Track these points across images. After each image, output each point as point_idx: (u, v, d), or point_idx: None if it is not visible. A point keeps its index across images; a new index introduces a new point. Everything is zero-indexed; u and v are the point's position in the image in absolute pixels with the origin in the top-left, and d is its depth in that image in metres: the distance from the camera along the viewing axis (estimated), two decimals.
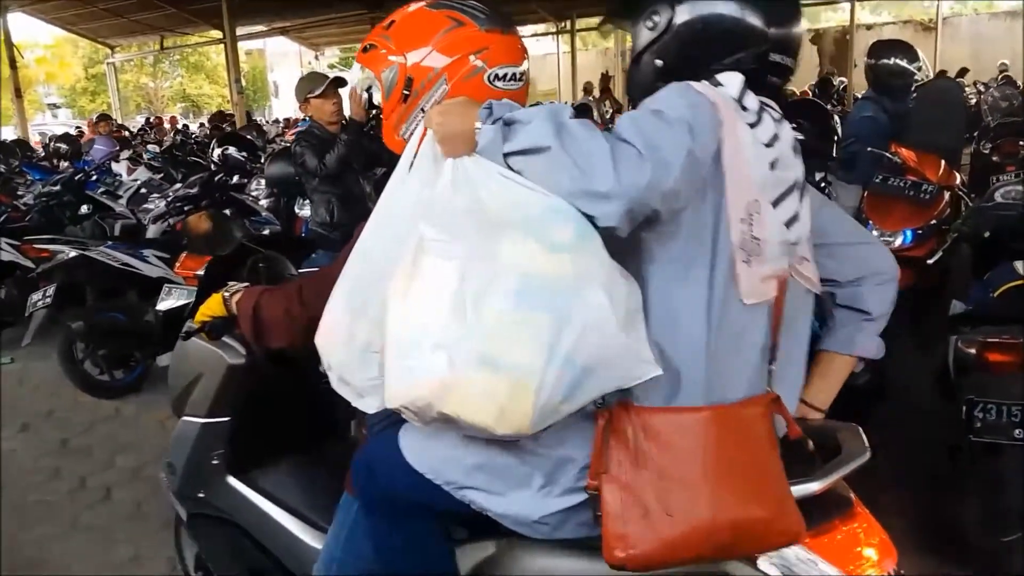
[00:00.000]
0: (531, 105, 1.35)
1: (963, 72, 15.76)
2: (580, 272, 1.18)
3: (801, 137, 3.64)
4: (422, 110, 1.50)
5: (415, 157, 1.36)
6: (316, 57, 27.79)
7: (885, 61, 4.64)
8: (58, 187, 6.25)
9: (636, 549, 1.27)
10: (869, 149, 4.46)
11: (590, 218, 1.19)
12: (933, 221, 4.34)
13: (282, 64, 35.02)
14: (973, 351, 2.35)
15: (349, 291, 1.38)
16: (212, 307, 1.79)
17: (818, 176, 3.80)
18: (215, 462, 1.99)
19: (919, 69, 4.50)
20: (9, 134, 16.90)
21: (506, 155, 1.22)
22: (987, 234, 3.12)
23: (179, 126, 18.67)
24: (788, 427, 1.38)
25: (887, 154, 4.43)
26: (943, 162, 4.54)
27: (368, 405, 1.39)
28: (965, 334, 2.40)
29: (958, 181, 4.69)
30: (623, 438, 1.29)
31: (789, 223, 1.38)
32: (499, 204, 1.22)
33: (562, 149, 1.17)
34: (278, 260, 4.29)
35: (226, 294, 1.78)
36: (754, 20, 1.38)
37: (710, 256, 1.30)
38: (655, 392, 1.29)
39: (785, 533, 1.32)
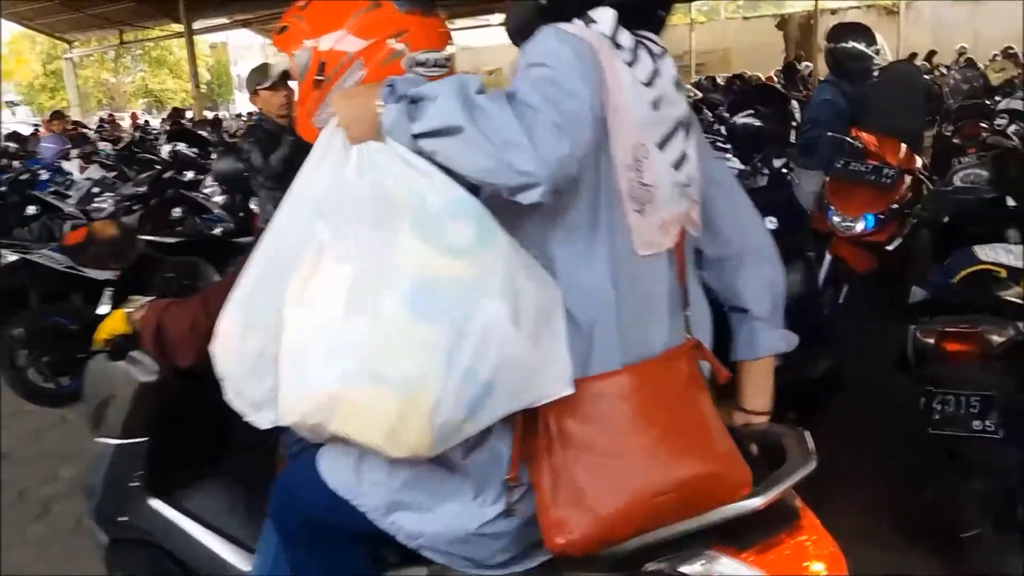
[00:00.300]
0: None
1: (932, 55, 15.82)
2: (480, 278, 1.09)
3: (759, 124, 3.65)
4: None
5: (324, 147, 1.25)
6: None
7: (843, 44, 4.60)
8: (4, 188, 6.05)
9: (575, 533, 1.19)
10: (829, 134, 4.39)
11: (511, 199, 1.11)
12: (895, 205, 4.28)
13: (246, 57, 34.50)
14: (931, 340, 2.28)
15: (246, 296, 1.27)
16: (114, 324, 1.67)
17: (778, 162, 3.73)
18: (135, 484, 1.87)
19: (877, 52, 4.44)
20: None
21: (415, 136, 1.12)
22: (946, 219, 3.06)
23: (140, 122, 18.32)
24: (715, 371, 1.33)
25: (847, 138, 4.37)
26: (904, 146, 4.49)
27: (262, 420, 1.28)
28: (923, 323, 2.33)
29: (919, 164, 4.63)
30: (544, 419, 1.21)
31: (677, 164, 1.30)
32: (402, 195, 1.12)
33: (474, 127, 1.08)
34: (196, 266, 4.05)
35: (129, 309, 1.66)
36: None
37: (605, 210, 1.23)
38: None
39: (733, 485, 1.27)
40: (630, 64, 1.24)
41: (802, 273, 3.65)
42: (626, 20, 1.28)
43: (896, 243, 3.69)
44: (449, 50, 1.47)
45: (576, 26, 1.23)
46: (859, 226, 4.22)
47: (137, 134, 13.61)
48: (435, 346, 1.06)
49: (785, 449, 1.40)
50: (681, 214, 1.33)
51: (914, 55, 14.84)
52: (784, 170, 4.68)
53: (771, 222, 3.52)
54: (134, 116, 21.62)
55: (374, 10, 1.40)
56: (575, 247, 1.24)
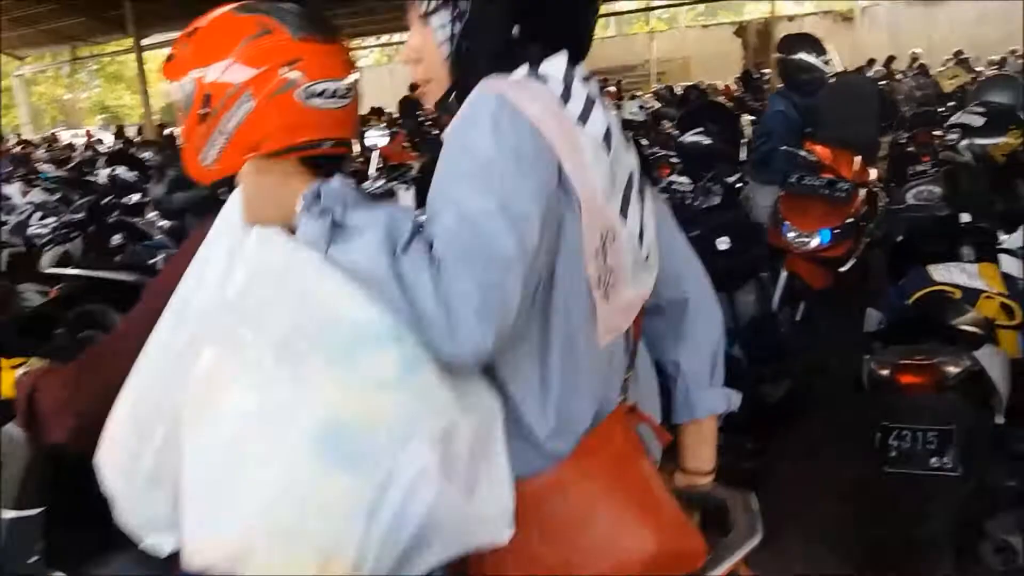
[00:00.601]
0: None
1: (890, 60, 15.93)
2: (404, 419, 0.94)
3: (708, 141, 3.57)
4: (221, 132, 1.27)
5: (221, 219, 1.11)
6: None
7: (793, 56, 4.57)
8: None
9: None
10: (783, 148, 4.35)
11: None
12: (850, 220, 4.24)
13: None
14: (886, 372, 2.19)
15: (135, 401, 1.10)
16: (2, 387, 1.51)
17: (730, 179, 3.66)
18: (35, 559, 1.70)
19: (827, 63, 4.40)
20: None
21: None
22: (900, 238, 2.99)
23: (95, 139, 17.88)
24: (657, 435, 1.22)
25: (800, 152, 4.31)
26: (858, 159, 4.45)
27: (161, 545, 1.12)
28: (877, 354, 2.24)
29: (872, 176, 4.60)
30: None
31: (640, 234, 1.19)
32: (311, 308, 0.97)
33: (393, 285, 0.96)
34: (97, 316, 3.54)
35: (20, 372, 1.50)
36: None
37: (562, 306, 1.11)
38: None
39: (687, 557, 1.15)
40: (583, 120, 1.10)
41: (756, 293, 3.59)
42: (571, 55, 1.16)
43: (850, 263, 3.62)
44: (352, 78, 1.35)
45: (522, 89, 1.08)
46: (814, 241, 4.17)
47: (88, 153, 13.22)
48: (353, 501, 0.90)
49: (731, 516, 1.30)
50: (646, 292, 1.22)
51: (872, 61, 14.95)
52: (738, 185, 4.63)
53: (724, 242, 3.44)
54: (88, 134, 21.13)
55: (265, 36, 1.27)
56: (524, 347, 1.11)
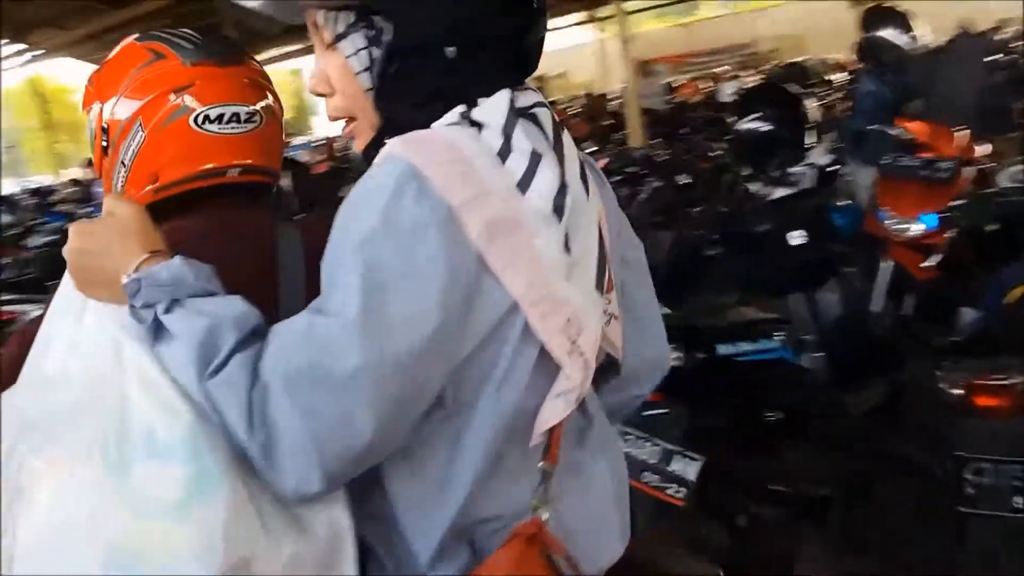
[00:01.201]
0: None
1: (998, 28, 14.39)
2: (182, 549, 0.80)
3: (767, 128, 3.23)
4: (123, 164, 1.20)
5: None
6: None
7: (875, 33, 4.16)
8: None
9: None
10: (869, 127, 3.96)
11: None
12: (958, 201, 3.79)
13: None
14: (960, 392, 1.85)
15: None
16: None
17: (798, 168, 3.31)
18: None
19: (914, 39, 3.98)
20: None
21: None
22: (993, 226, 2.58)
23: None
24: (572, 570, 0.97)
25: (893, 131, 3.90)
26: (963, 133, 3.98)
27: None
28: (950, 369, 1.89)
29: (984, 152, 4.09)
30: None
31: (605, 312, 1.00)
32: (105, 406, 0.86)
33: (208, 398, 0.83)
34: None
35: None
36: None
37: (489, 409, 0.93)
38: None
39: None
40: (524, 184, 0.89)
41: (839, 291, 3.22)
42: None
43: (929, 261, 3.22)
44: (257, 104, 1.21)
45: (443, 143, 0.89)
46: (915, 228, 3.76)
47: None
48: None
49: None
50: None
51: (999, 25, 13.60)
52: (829, 169, 4.23)
53: (798, 236, 3.10)
54: None
55: (155, 63, 1.20)
56: (417, 458, 0.94)
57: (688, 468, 2.06)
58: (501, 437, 0.93)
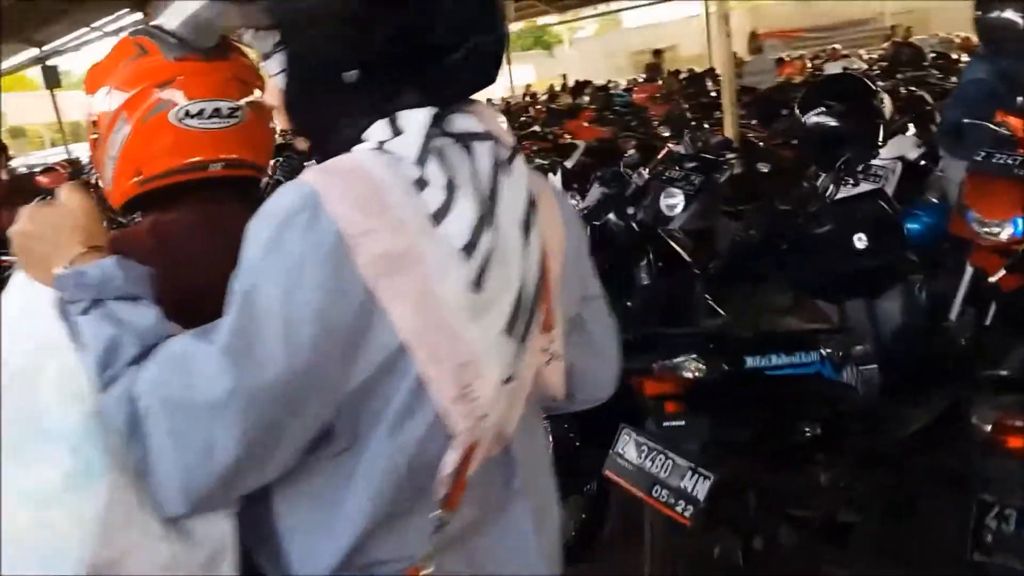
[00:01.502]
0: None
1: None
2: (49, 541, 0.81)
3: (834, 123, 3.03)
4: (110, 156, 1.24)
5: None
6: None
7: (994, 14, 3.79)
8: None
9: None
10: (966, 120, 3.65)
11: None
12: None
13: None
14: (988, 430, 1.69)
15: None
16: None
17: (882, 162, 3.11)
18: None
19: None
20: None
21: None
22: None
23: None
24: None
25: (991, 124, 3.59)
26: None
27: None
28: (981, 405, 1.73)
29: None
30: None
31: (508, 380, 0.92)
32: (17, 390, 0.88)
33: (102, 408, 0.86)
34: None
35: None
36: None
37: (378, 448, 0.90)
38: None
39: None
40: (440, 216, 0.85)
41: (901, 300, 3.02)
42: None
43: (997, 276, 2.96)
44: (246, 99, 1.25)
45: (356, 170, 0.86)
46: (1005, 232, 3.46)
47: None
48: None
49: None
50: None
51: None
52: (922, 163, 3.98)
53: (862, 239, 2.92)
54: None
55: (140, 58, 1.24)
56: (303, 485, 0.93)
57: (699, 486, 1.97)
58: (396, 479, 0.90)
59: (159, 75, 1.21)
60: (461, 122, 0.92)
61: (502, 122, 0.97)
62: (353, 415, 0.88)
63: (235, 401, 0.80)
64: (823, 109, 2.87)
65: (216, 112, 1.22)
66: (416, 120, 0.88)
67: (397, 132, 0.88)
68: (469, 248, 0.86)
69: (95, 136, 1.25)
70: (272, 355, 0.81)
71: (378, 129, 0.89)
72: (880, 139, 2.92)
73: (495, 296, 0.89)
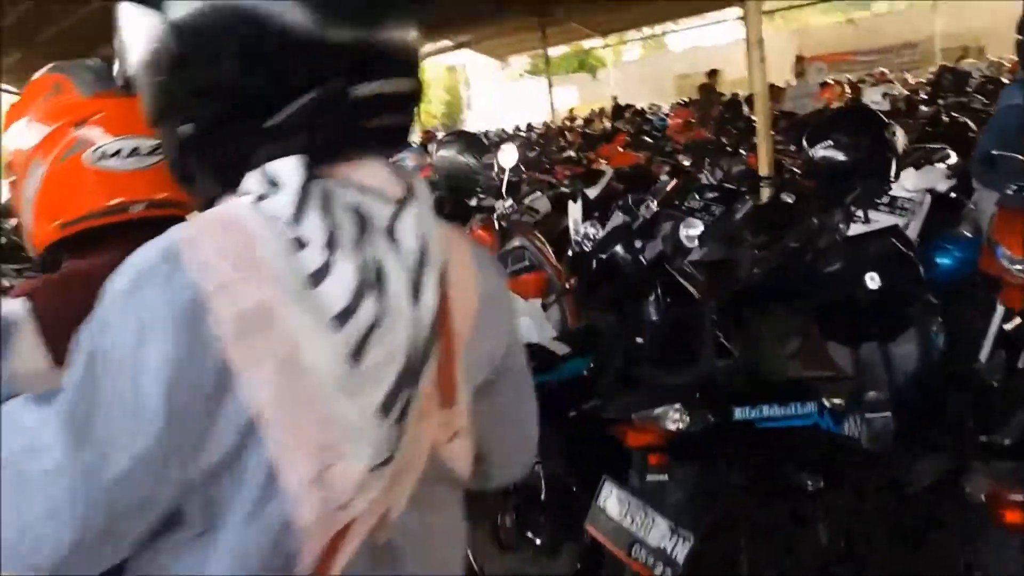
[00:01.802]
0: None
1: None
2: None
3: (842, 157, 2.89)
4: (27, 199, 1.19)
5: None
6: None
7: None
8: None
9: None
10: (995, 152, 3.49)
11: None
12: None
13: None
14: (981, 498, 1.55)
15: None
16: None
17: (908, 194, 2.96)
18: None
19: None
20: None
21: None
22: None
23: None
24: None
25: (1020, 156, 3.42)
26: None
27: None
28: (976, 472, 1.59)
29: None
30: None
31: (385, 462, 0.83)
32: None
33: None
34: None
35: None
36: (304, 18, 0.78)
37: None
38: None
39: None
40: (318, 278, 0.77)
41: (916, 343, 2.85)
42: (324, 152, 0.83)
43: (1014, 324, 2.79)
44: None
45: (234, 225, 0.79)
46: None
47: None
48: None
49: None
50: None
51: None
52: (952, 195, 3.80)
53: (874, 279, 2.77)
54: None
55: (56, 95, 1.19)
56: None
57: (679, 548, 1.85)
58: (260, 566, 0.82)
59: (75, 113, 1.16)
60: (346, 175, 0.84)
61: (393, 175, 0.88)
62: (203, 499, 0.80)
63: (67, 474, 0.74)
64: (831, 143, 2.74)
65: (135, 151, 1.16)
66: (288, 170, 0.80)
67: (272, 183, 0.81)
68: (346, 315, 0.77)
69: (12, 178, 1.21)
70: (112, 436, 0.74)
71: (253, 182, 0.82)
72: (892, 173, 2.77)
73: (375, 370, 0.80)
